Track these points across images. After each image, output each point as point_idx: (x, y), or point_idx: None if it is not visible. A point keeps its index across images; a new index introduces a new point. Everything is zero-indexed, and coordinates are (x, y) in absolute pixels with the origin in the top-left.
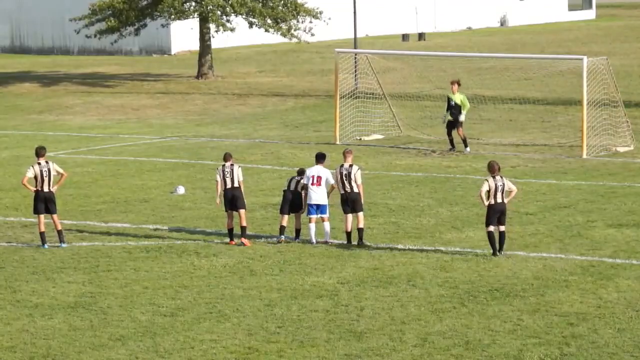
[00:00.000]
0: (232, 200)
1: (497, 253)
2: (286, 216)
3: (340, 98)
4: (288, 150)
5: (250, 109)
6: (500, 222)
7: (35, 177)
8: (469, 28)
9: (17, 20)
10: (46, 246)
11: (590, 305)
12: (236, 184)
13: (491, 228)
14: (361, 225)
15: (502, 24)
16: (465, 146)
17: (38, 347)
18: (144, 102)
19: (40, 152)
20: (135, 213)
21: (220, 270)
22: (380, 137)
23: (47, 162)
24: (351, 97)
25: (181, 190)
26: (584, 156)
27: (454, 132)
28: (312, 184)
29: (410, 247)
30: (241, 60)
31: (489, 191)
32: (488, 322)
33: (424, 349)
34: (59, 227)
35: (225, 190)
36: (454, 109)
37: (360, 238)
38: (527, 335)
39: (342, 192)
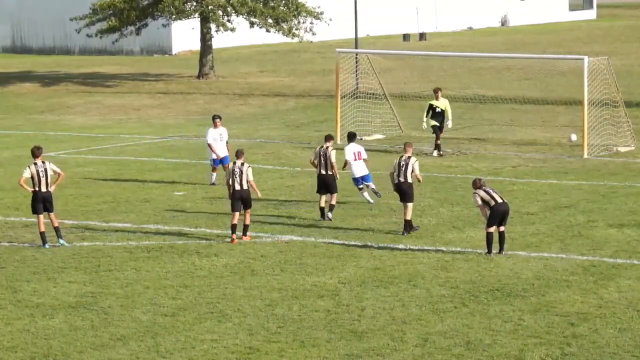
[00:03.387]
0: (241, 201)
1: (491, 253)
2: (323, 197)
3: (341, 98)
4: (289, 150)
5: (251, 109)
6: (502, 222)
7: (32, 178)
8: (470, 28)
9: (18, 20)
10: (47, 246)
11: (591, 305)
12: (245, 186)
13: (491, 229)
14: (408, 217)
15: (503, 24)
16: (436, 149)
17: (39, 347)
18: (145, 102)
19: (36, 152)
20: (136, 213)
21: (221, 270)
22: (381, 137)
23: (43, 162)
24: (352, 97)
25: (574, 137)
26: (585, 156)
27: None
28: (355, 159)
29: (412, 247)
30: (242, 60)
31: (485, 201)
32: (489, 322)
33: (425, 349)
34: (56, 224)
35: (234, 192)
36: (438, 115)
37: (406, 228)
38: (528, 335)
39: (396, 181)
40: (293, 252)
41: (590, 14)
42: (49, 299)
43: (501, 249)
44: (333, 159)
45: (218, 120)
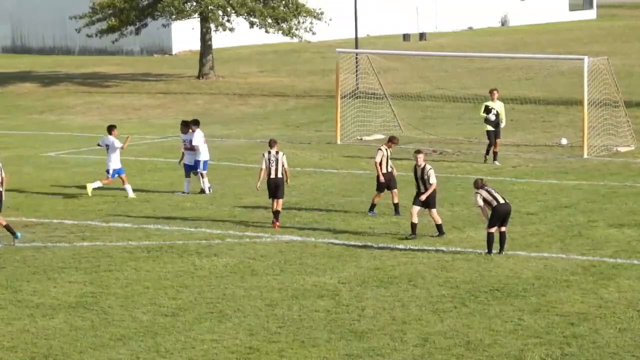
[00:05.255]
0: (275, 189)
1: (491, 253)
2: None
3: (342, 98)
4: (289, 150)
5: (251, 109)
6: (503, 223)
7: None
8: (470, 28)
9: (18, 20)
10: None
11: (592, 305)
12: (280, 174)
13: (492, 230)
14: (439, 222)
15: (503, 24)
16: (491, 159)
17: (39, 347)
18: (145, 102)
19: None
20: (136, 213)
21: (221, 270)
22: (381, 137)
23: None
24: (352, 97)
25: (564, 141)
26: (585, 156)
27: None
28: (205, 142)
29: (412, 247)
30: (242, 60)
31: (488, 201)
32: (489, 322)
33: (425, 349)
34: (4, 222)
35: (269, 179)
36: (493, 119)
37: (440, 231)
38: (528, 335)
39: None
40: (293, 252)
41: (590, 14)
42: (49, 299)
43: (501, 249)
44: (377, 159)
45: (195, 126)
